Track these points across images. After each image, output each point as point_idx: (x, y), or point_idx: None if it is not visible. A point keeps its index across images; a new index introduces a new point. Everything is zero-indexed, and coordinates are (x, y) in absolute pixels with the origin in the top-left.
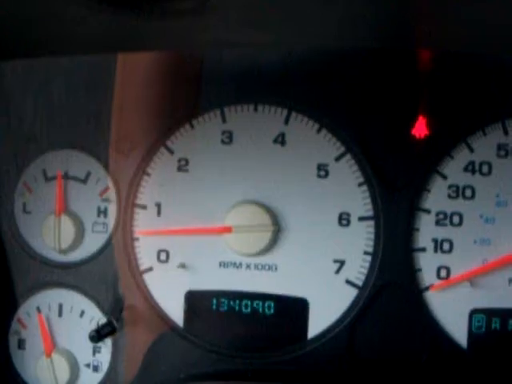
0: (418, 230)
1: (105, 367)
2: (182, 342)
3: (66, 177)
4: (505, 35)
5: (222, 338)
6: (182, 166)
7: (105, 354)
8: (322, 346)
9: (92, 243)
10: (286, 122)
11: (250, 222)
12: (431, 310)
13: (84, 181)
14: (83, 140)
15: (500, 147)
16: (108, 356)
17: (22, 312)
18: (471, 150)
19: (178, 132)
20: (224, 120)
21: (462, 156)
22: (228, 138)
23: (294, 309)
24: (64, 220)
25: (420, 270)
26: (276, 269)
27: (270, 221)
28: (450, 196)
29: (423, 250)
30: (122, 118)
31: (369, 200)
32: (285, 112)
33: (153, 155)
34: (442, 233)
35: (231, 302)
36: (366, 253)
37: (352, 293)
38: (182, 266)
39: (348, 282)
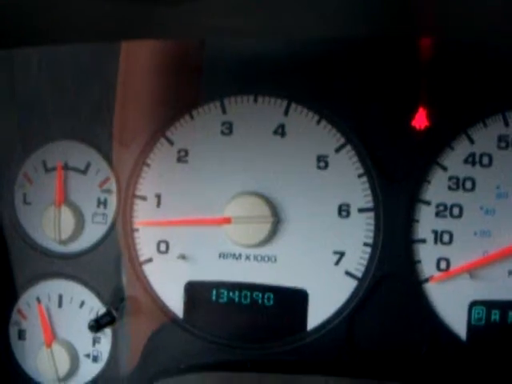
0: (417, 221)
1: (105, 357)
2: (182, 333)
3: (66, 168)
4: (506, 23)
5: (222, 328)
6: (182, 156)
7: (104, 344)
8: (321, 337)
9: (92, 234)
10: (286, 113)
11: (250, 213)
12: (431, 301)
13: (84, 172)
14: (83, 131)
15: (500, 139)
16: (108, 346)
17: (22, 303)
18: (472, 141)
19: (177, 123)
20: (224, 111)
21: (462, 147)
22: (228, 129)
23: (294, 300)
24: (64, 211)
25: (420, 261)
26: (275, 260)
27: (270, 212)
28: (450, 187)
29: (423, 241)
30: (123, 108)
31: (369, 191)
32: (284, 103)
33: (153, 146)
34: (441, 224)
35: (231, 293)
36: (365, 244)
37: (351, 284)
38: (182, 256)
39: (347, 273)
